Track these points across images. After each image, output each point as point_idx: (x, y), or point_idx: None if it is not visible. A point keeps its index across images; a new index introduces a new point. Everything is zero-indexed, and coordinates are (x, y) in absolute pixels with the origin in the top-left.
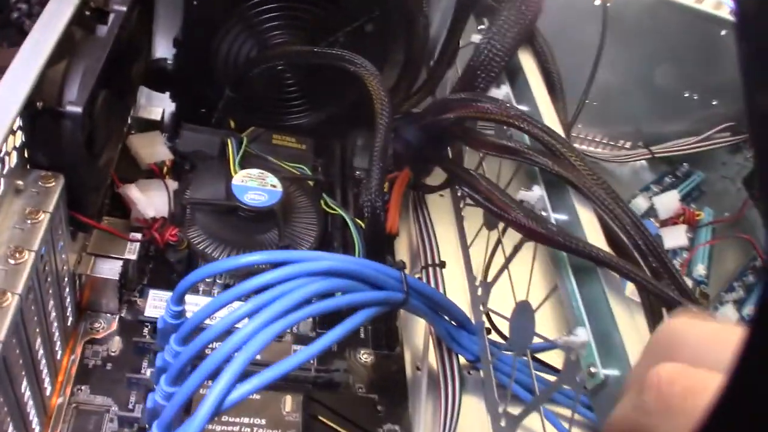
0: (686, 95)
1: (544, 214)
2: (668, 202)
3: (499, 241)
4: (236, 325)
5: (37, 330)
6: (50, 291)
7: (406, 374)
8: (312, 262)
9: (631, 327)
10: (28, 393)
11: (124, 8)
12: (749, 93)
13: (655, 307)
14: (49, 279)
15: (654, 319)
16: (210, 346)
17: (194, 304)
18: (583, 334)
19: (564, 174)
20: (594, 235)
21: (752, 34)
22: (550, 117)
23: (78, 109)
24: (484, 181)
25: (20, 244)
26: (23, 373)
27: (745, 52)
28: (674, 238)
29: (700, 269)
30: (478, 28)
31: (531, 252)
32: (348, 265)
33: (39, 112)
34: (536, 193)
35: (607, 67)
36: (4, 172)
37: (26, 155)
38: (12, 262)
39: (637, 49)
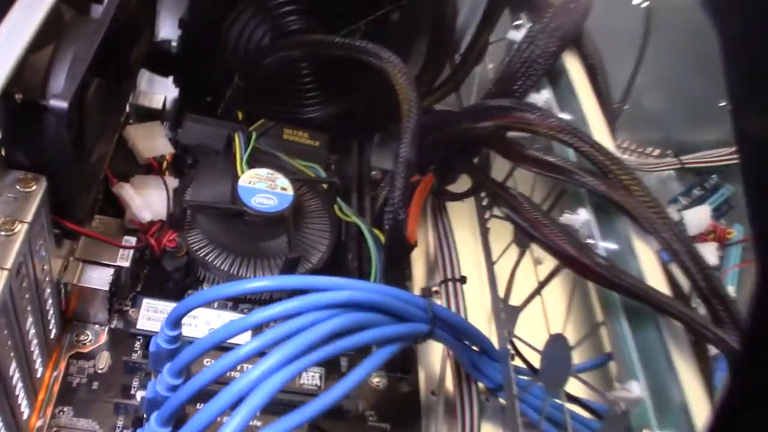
0: (721, 104)
1: (590, 241)
2: (699, 217)
3: (522, 256)
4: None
5: (12, 346)
6: (28, 307)
7: (420, 400)
8: (333, 293)
9: (695, 382)
10: (3, 415)
11: None
12: (737, 117)
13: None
14: (27, 295)
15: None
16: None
17: (195, 317)
18: (636, 389)
19: (616, 199)
20: (651, 272)
21: (738, 59)
22: (599, 129)
23: (63, 104)
24: (526, 202)
25: None
26: None
27: (732, 76)
28: (704, 256)
29: (730, 291)
30: (514, 24)
31: (565, 277)
32: (370, 295)
33: (18, 106)
34: (582, 217)
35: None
36: None
37: (3, 154)
38: None
39: (673, 52)
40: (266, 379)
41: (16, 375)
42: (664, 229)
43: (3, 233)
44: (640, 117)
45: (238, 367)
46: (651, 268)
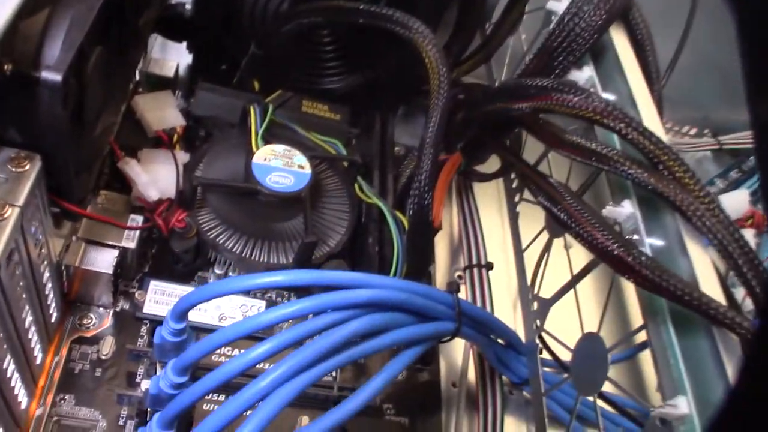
0: None
1: (635, 237)
2: (737, 201)
3: (549, 247)
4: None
5: (5, 337)
6: (24, 295)
7: (441, 392)
8: (350, 292)
9: None
10: None
11: None
12: (752, 101)
13: None
14: (21, 282)
15: None
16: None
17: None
18: (683, 406)
19: (666, 192)
20: (704, 275)
21: (753, 41)
22: (648, 113)
23: (57, 77)
24: (567, 193)
25: None
26: None
27: (746, 59)
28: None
29: None
30: None
31: (601, 272)
32: (394, 293)
33: (8, 77)
34: (626, 210)
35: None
36: None
37: None
38: None
39: (713, 29)
40: (280, 388)
41: (11, 365)
42: (719, 229)
43: None
44: (677, 95)
45: None
46: (704, 271)
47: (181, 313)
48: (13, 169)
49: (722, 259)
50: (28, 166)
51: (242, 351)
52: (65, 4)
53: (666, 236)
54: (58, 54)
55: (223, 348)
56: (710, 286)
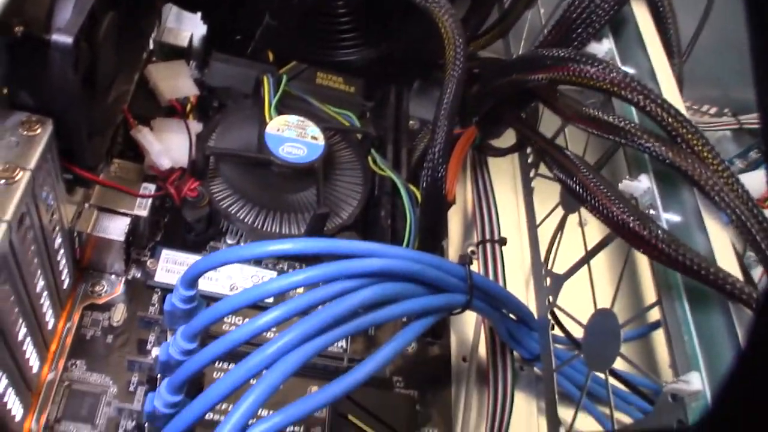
0: None
1: (652, 212)
2: (756, 182)
3: (563, 223)
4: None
5: (16, 300)
6: (35, 259)
7: (451, 366)
8: (362, 261)
9: None
10: (9, 368)
11: None
12: (759, 85)
13: None
14: (33, 246)
15: None
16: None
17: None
18: (696, 382)
19: (684, 167)
20: (721, 250)
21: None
22: (668, 86)
23: (68, 39)
24: (582, 165)
25: None
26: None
27: (755, 41)
28: None
29: None
30: None
31: (618, 247)
32: (405, 264)
33: (19, 40)
34: (643, 185)
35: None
36: None
37: (6, 94)
38: None
39: (735, 6)
40: (286, 356)
41: (23, 329)
42: (738, 204)
43: (2, 181)
44: (697, 73)
45: None
46: (721, 246)
47: (191, 279)
48: (25, 133)
49: (740, 236)
50: (39, 130)
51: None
52: None
53: (683, 212)
54: (69, 17)
55: (233, 317)
56: (727, 262)
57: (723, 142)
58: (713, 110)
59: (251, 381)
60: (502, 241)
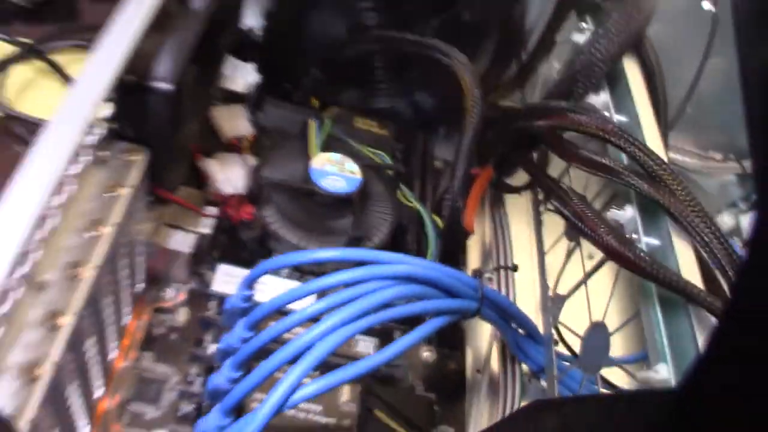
0: None
1: (634, 236)
2: None
3: (574, 249)
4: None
5: (108, 298)
6: (123, 260)
7: (465, 376)
8: (393, 266)
9: None
10: (94, 354)
11: None
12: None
13: None
14: (122, 249)
15: None
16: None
17: (264, 283)
18: (664, 372)
19: (660, 200)
20: (688, 267)
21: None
22: (650, 133)
23: (169, 86)
24: (575, 197)
25: (99, 217)
26: (93, 336)
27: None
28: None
29: None
30: (580, 25)
31: (611, 270)
32: (428, 271)
33: (129, 86)
34: (628, 214)
35: (703, 73)
36: (91, 142)
37: (113, 127)
38: (89, 234)
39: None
40: (326, 336)
41: (110, 322)
42: (702, 227)
43: (110, 195)
44: (703, 120)
45: None
46: (688, 263)
47: (251, 281)
48: (127, 159)
49: (706, 255)
50: (138, 157)
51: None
52: (173, 30)
53: (660, 236)
54: (169, 69)
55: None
56: (692, 275)
57: (728, 186)
58: (719, 156)
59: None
60: (515, 268)
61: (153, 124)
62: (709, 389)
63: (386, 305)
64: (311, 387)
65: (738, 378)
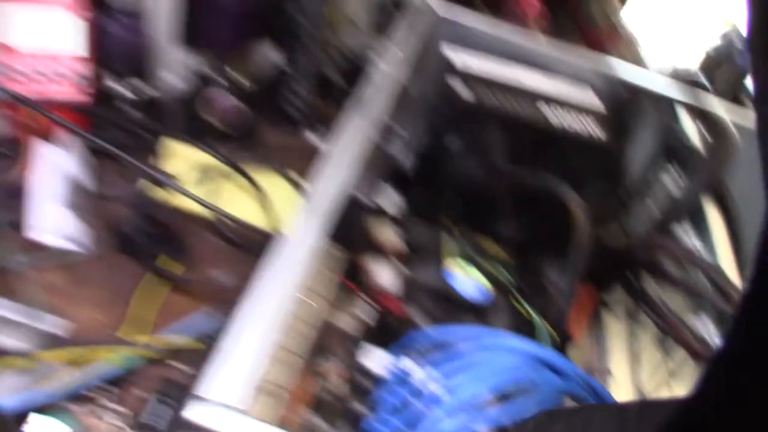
0: None
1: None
2: None
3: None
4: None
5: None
6: (303, 329)
7: None
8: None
9: None
10: None
11: None
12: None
13: None
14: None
15: None
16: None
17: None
18: None
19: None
20: None
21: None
22: (725, 260)
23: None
24: (663, 306)
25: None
26: None
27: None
28: None
29: None
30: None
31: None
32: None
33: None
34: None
35: None
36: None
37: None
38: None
39: None
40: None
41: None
42: None
43: (321, 278)
44: None
45: None
46: None
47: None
48: (333, 255)
49: None
50: (339, 255)
51: None
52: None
53: None
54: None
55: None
56: None
57: None
58: None
59: None
60: (608, 371)
61: (356, 234)
62: (719, 397)
63: None
64: None
65: (748, 385)
